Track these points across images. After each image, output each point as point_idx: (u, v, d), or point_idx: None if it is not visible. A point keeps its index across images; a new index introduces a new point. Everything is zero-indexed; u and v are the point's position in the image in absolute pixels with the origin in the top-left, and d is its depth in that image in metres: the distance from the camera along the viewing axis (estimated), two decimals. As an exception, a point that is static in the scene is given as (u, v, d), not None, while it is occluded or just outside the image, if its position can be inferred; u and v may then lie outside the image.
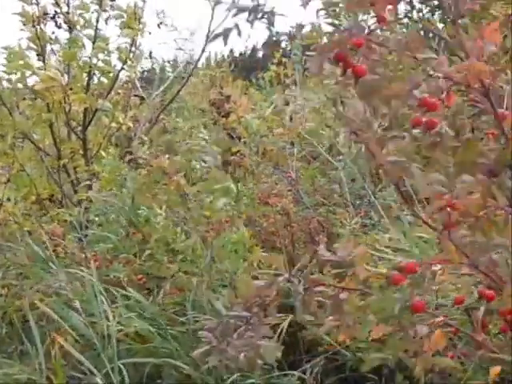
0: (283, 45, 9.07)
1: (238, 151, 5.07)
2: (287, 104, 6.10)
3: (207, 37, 5.11)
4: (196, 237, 3.34)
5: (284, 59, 7.21)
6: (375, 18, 1.32)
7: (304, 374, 2.86)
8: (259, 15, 1.24)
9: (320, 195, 4.46)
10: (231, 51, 17.96)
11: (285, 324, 2.76)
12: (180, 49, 7.38)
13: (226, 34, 1.26)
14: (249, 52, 21.32)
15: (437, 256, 1.52)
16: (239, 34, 1.26)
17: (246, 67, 15.64)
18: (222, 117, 5.72)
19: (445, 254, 1.43)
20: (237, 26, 1.25)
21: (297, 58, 6.85)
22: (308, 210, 4.17)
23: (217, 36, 1.28)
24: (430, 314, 1.55)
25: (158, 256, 3.37)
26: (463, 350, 1.95)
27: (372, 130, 1.35)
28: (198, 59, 5.60)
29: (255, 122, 5.55)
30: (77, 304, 2.84)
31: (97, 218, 3.73)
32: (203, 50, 5.22)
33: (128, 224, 3.64)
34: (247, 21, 1.23)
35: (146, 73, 10.88)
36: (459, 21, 1.32)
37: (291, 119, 5.56)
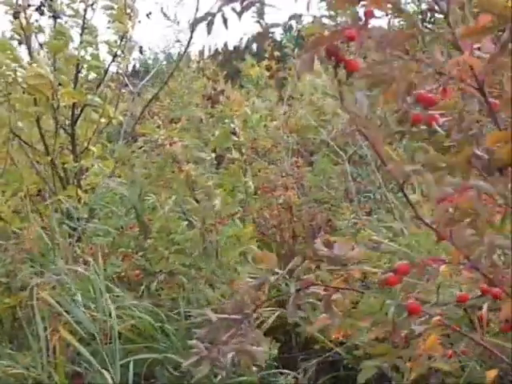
0: (278, 38, 8.97)
1: (233, 145, 5.01)
2: (281, 99, 6.05)
3: (192, 28, 4.93)
4: (196, 230, 3.26)
5: (277, 53, 7.12)
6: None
7: (299, 373, 2.83)
8: (248, 5, 1.17)
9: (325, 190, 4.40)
10: (225, 45, 17.88)
11: (272, 318, 2.73)
12: (178, 41, 7.32)
13: (209, 21, 1.18)
14: (243, 46, 21.19)
15: (433, 256, 1.48)
16: (225, 22, 1.18)
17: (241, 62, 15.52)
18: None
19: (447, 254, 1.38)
20: (220, 10, 1.16)
21: (289, 50, 6.75)
22: (311, 204, 4.12)
23: (200, 20, 1.20)
24: (426, 314, 1.51)
25: (159, 247, 3.30)
26: (462, 349, 1.91)
27: (376, 127, 1.30)
28: (185, 51, 5.46)
29: (255, 117, 5.50)
30: (79, 297, 2.78)
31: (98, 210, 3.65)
32: (189, 41, 5.03)
33: (136, 215, 3.55)
34: (233, 10, 1.16)
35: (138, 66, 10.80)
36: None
37: (285, 113, 5.51)
